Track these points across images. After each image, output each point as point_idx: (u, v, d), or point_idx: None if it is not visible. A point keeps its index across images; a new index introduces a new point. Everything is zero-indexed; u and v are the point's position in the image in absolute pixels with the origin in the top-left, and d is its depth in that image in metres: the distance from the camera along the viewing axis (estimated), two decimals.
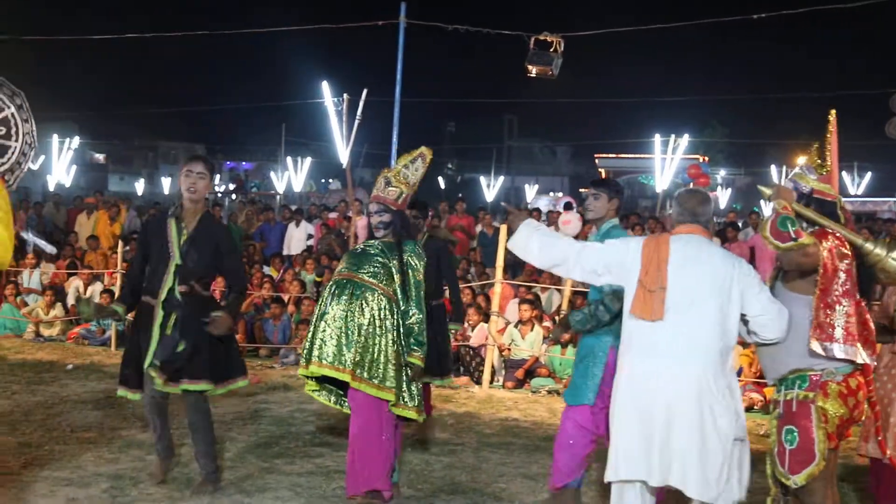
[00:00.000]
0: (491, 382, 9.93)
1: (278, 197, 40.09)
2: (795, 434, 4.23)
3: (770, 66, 64.88)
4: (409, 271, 5.68)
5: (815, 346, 4.19)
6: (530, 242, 4.68)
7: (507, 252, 11.53)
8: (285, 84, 58.13)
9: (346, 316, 5.54)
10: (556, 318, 10.63)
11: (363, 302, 5.55)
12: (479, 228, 16.37)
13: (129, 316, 6.16)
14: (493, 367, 10.06)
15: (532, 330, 10.25)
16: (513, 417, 8.42)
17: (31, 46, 25.40)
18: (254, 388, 8.74)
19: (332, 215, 18.62)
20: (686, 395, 4.18)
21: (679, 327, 4.24)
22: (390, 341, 5.56)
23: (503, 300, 10.80)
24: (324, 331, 5.56)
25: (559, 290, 11.75)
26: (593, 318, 5.30)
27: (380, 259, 5.67)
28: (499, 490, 6.09)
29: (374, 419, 5.55)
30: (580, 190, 40.54)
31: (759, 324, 4.30)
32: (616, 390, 4.42)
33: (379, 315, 5.56)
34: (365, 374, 5.48)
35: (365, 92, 14.94)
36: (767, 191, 4.61)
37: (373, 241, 5.78)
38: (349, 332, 5.51)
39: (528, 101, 42.62)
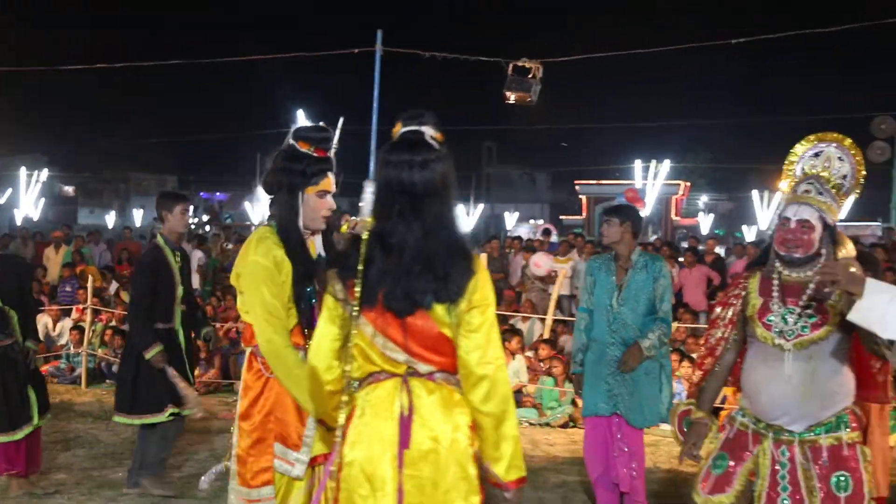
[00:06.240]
0: None
1: (253, 227, 39.99)
2: None
3: (751, 91, 65.57)
4: None
5: None
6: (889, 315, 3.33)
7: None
8: (260, 113, 58.23)
9: None
10: (538, 347, 10.63)
11: None
12: None
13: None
14: None
15: (514, 359, 10.26)
16: None
17: None
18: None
19: None
20: None
21: None
22: None
23: None
24: None
25: (541, 320, 11.76)
26: (661, 343, 5.88)
27: None
28: None
29: None
30: (560, 217, 40.71)
31: None
32: None
33: None
34: None
35: (341, 120, 14.91)
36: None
37: None
38: None
39: (506, 128, 42.83)
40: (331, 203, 3.79)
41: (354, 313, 2.95)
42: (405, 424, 2.93)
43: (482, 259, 3.05)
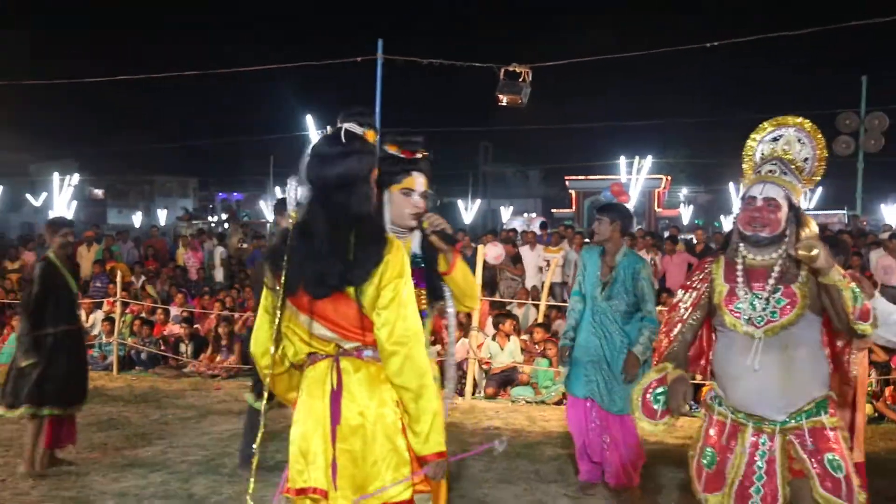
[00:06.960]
0: (473, 394, 9.92)
1: (268, 225, 39.95)
2: None
3: (725, 90, 65.48)
4: None
5: None
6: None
7: (485, 270, 11.57)
8: (273, 118, 58.25)
9: None
10: (534, 331, 10.63)
11: None
12: None
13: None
14: (474, 379, 10.05)
15: (510, 340, 10.27)
16: (494, 426, 8.40)
17: (31, 91, 25.34)
18: None
19: None
20: None
21: None
22: None
23: (482, 316, 10.80)
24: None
25: (535, 306, 11.77)
26: (650, 342, 5.81)
27: None
28: (482, 496, 6.08)
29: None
30: (552, 210, 40.64)
31: None
32: None
33: None
34: None
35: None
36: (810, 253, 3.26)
37: None
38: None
39: (500, 128, 42.74)
40: (417, 201, 3.49)
41: (281, 300, 2.99)
42: (335, 401, 2.97)
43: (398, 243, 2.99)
